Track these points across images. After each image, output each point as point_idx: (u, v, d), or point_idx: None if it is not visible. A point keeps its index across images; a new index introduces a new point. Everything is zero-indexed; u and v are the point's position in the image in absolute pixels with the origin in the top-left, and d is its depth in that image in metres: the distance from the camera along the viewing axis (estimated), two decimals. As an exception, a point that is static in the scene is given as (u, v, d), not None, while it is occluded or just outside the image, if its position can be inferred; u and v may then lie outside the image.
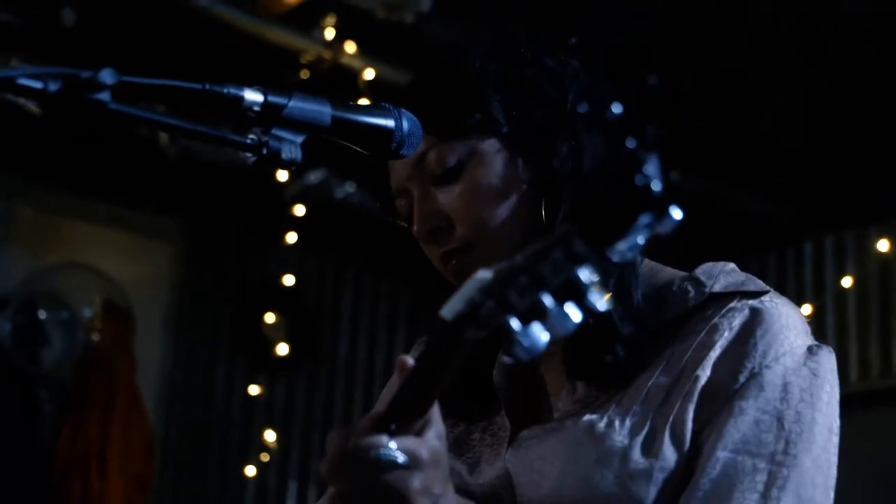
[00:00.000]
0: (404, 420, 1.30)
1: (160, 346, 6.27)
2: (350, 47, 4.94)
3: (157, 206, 6.20)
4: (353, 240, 6.22)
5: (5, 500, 5.53)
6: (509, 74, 1.66)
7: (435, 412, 1.34)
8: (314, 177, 5.90)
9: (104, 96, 1.40)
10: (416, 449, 1.31)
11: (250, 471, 6.25)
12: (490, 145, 1.66)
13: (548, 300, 1.10)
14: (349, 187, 5.96)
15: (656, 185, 1.08)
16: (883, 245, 5.71)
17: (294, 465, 6.48)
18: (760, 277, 1.68)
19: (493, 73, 1.66)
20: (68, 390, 5.86)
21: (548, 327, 1.11)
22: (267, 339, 6.37)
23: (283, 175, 5.63)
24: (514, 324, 1.11)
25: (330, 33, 4.93)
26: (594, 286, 1.10)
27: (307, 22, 4.97)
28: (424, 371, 1.29)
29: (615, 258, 1.12)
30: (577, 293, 1.10)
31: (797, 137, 5.53)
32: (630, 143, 1.09)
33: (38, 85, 1.38)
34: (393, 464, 1.28)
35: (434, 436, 1.34)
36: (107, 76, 1.38)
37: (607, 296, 1.12)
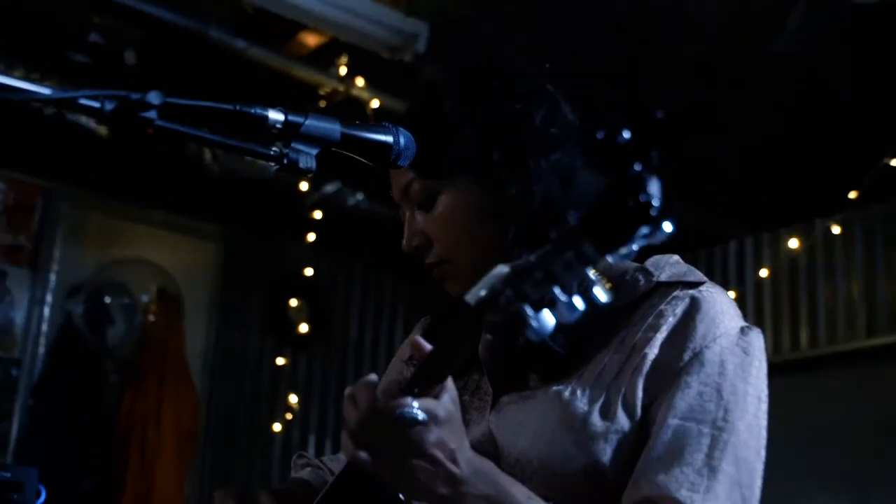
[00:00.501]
0: (425, 386, 1.30)
1: (204, 326, 6.24)
2: (360, 82, 4.93)
3: (202, 212, 6.18)
4: (361, 240, 6.21)
5: (79, 452, 5.51)
6: (478, 117, 1.63)
7: (450, 381, 1.33)
8: (330, 187, 5.91)
9: (151, 114, 1.39)
10: (434, 409, 1.30)
11: (277, 427, 6.24)
12: (459, 181, 1.64)
13: (558, 292, 1.11)
14: (359, 196, 5.96)
15: (656, 203, 1.09)
16: (793, 243, 5.74)
17: (313, 423, 6.47)
18: (693, 270, 1.65)
19: (462, 119, 1.63)
20: (129, 362, 5.86)
21: (556, 314, 1.12)
22: (291, 320, 6.36)
23: (304, 186, 5.64)
24: (528, 310, 1.11)
25: (343, 70, 4.93)
26: (598, 283, 1.12)
27: (325, 61, 4.97)
28: (445, 346, 1.29)
29: (614, 261, 1.12)
30: (584, 288, 1.12)
31: (724, 161, 5.55)
32: (637, 167, 1.09)
33: (96, 105, 1.37)
34: (414, 420, 1.28)
35: (449, 399, 1.34)
36: (154, 97, 1.36)
37: (608, 286, 1.13)
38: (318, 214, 5.72)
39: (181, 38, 4.66)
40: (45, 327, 5.66)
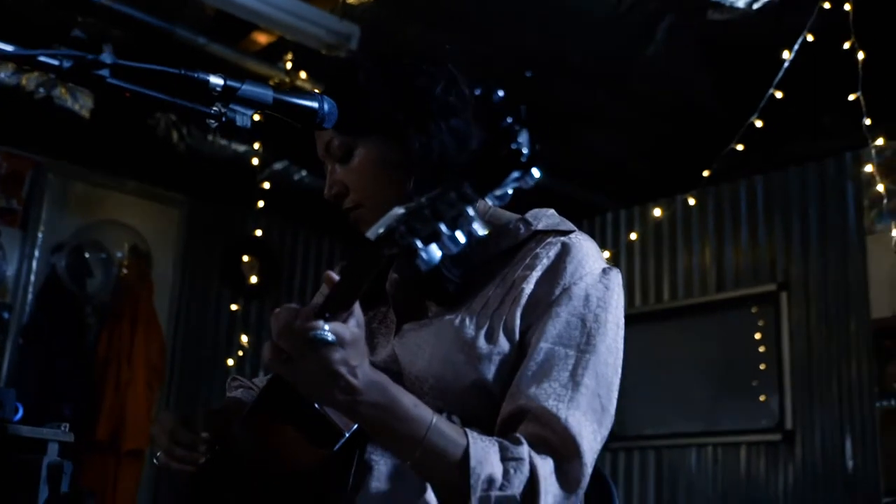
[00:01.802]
0: (335, 311, 1.26)
1: (170, 278, 6.15)
2: (303, 74, 4.87)
3: (169, 182, 6.10)
4: (303, 208, 6.17)
5: (61, 384, 5.43)
6: (388, 85, 1.61)
7: (356, 306, 1.30)
8: (279, 165, 5.86)
9: (104, 72, 1.32)
10: (342, 332, 1.26)
11: (231, 362, 6.15)
12: (371, 138, 1.62)
13: (443, 227, 1.09)
14: (303, 173, 5.94)
15: (525, 151, 1.07)
16: (657, 212, 5.80)
17: (261, 359, 6.41)
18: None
19: (374, 86, 1.61)
20: (105, 308, 5.77)
21: (441, 247, 1.10)
22: (243, 273, 6.27)
23: (255, 161, 5.59)
24: (418, 243, 1.09)
25: (289, 65, 4.87)
26: (476, 219, 1.09)
27: (273, 57, 4.91)
28: (352, 276, 1.25)
29: (492, 202, 1.10)
30: (465, 223, 1.09)
31: (602, 147, 5.59)
32: (508, 120, 1.07)
33: (55, 62, 1.30)
34: (324, 341, 1.24)
35: (355, 323, 1.29)
36: (106, 58, 1.31)
37: (486, 224, 1.10)
38: (266, 185, 5.65)
39: (152, 35, 4.59)
40: (33, 278, 5.58)
